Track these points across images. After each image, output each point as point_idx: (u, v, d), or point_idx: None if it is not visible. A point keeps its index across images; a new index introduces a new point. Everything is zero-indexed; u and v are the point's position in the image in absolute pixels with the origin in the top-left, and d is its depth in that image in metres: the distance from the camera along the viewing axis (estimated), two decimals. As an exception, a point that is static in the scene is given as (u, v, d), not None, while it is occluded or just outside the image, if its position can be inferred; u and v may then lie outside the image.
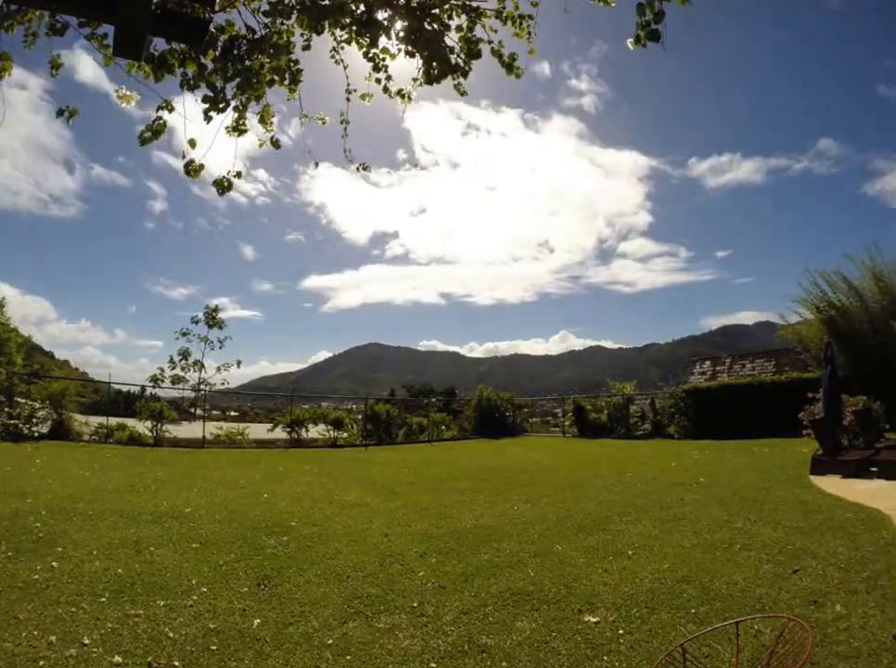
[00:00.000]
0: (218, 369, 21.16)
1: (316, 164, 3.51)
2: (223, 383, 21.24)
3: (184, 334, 21.06)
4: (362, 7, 2.53)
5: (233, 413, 28.28)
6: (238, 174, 2.90)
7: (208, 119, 2.66)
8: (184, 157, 2.80)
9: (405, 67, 2.89)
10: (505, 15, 2.85)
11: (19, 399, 12.67)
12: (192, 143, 2.80)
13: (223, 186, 2.88)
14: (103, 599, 3.45)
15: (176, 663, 2.75)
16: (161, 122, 2.76)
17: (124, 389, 21.32)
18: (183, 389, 20.55)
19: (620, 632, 3.09)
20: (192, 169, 2.83)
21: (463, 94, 2.87)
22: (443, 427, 18.52)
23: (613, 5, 2.59)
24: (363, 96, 3.13)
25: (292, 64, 2.84)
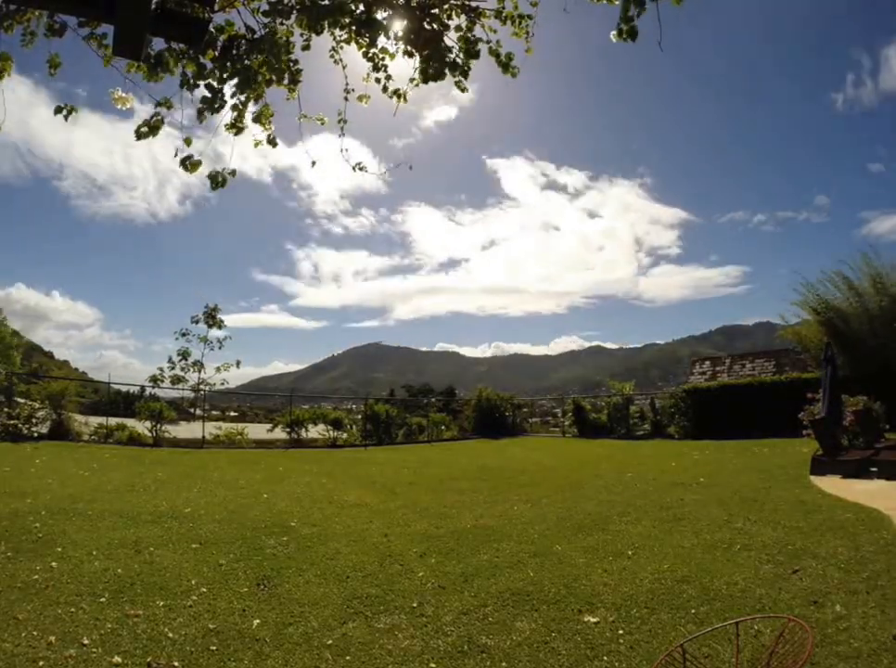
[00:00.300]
0: (217, 369, 21.12)
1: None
2: (222, 383, 21.21)
3: (183, 334, 21.02)
4: (361, 7, 2.53)
5: (232, 413, 28.23)
6: (233, 173, 2.91)
7: (201, 118, 2.67)
8: (176, 155, 2.81)
9: (405, 67, 2.88)
10: (504, 15, 2.85)
11: (18, 399, 12.65)
12: (188, 141, 2.82)
13: (217, 180, 2.89)
14: (102, 600, 3.44)
15: (176, 664, 2.75)
16: (159, 118, 2.77)
17: (124, 389, 21.35)
18: (182, 389, 20.52)
19: (620, 632, 3.08)
20: (189, 163, 2.84)
21: (463, 90, 2.87)
22: (443, 427, 18.50)
23: (617, 3, 2.59)
24: (360, 97, 3.13)
25: (292, 64, 2.85)
